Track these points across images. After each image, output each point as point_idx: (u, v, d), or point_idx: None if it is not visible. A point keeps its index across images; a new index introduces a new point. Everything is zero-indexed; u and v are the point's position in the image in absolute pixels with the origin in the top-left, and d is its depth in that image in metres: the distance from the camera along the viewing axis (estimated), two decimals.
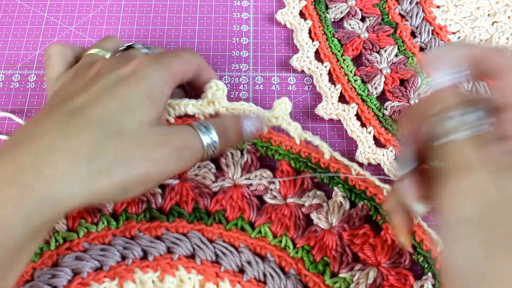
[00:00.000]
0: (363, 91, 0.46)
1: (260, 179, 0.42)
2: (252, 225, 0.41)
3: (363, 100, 0.46)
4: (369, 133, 0.45)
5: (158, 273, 0.39)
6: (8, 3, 0.52)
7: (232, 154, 0.43)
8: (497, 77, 0.28)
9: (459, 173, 0.25)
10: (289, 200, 0.41)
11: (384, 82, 0.47)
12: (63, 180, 0.30)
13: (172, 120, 0.41)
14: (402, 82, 0.48)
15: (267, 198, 0.41)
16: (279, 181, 0.41)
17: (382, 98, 0.47)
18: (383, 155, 0.44)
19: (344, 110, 0.46)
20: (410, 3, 0.51)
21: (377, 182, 0.40)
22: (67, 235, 0.39)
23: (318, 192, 0.42)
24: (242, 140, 0.39)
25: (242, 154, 0.43)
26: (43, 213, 0.30)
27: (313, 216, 0.41)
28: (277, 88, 0.48)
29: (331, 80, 0.48)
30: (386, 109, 0.46)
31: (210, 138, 0.36)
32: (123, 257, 0.39)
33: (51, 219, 0.31)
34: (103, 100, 0.33)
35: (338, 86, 0.47)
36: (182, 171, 0.39)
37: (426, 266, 0.39)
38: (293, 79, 0.49)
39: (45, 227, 0.31)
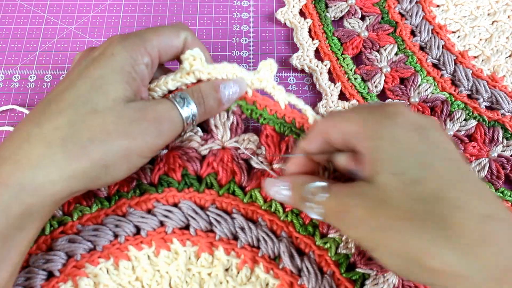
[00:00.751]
0: (363, 89, 0.46)
1: (248, 144, 0.41)
2: (242, 189, 0.41)
3: (364, 98, 0.46)
4: None
5: (153, 248, 0.38)
6: (8, 3, 0.52)
7: (219, 115, 0.41)
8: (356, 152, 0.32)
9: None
10: (276, 166, 0.40)
11: (384, 81, 0.47)
12: (39, 167, 0.30)
13: (156, 96, 0.40)
14: (402, 80, 0.48)
15: (254, 163, 0.41)
16: (265, 148, 0.41)
17: (382, 96, 0.47)
18: None
19: (344, 108, 0.46)
20: (410, 2, 0.51)
21: None
22: (62, 219, 0.39)
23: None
24: (222, 106, 0.39)
25: (228, 116, 0.41)
26: (21, 201, 0.30)
27: None
28: None
29: (331, 79, 0.48)
30: None
31: (188, 107, 0.36)
32: (116, 236, 0.39)
33: (34, 207, 0.31)
34: (76, 84, 0.33)
35: (338, 84, 0.47)
36: (167, 143, 0.38)
37: None
38: (293, 79, 0.49)
39: (29, 216, 0.31)
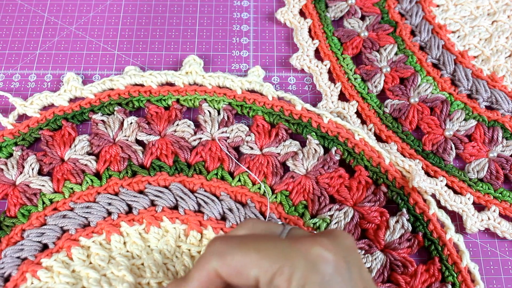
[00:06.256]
0: (363, 89, 0.46)
1: (236, 132, 0.44)
2: (231, 175, 0.42)
3: (363, 98, 0.46)
4: (370, 130, 0.45)
5: (144, 225, 0.40)
6: (8, 3, 0.52)
7: (209, 112, 0.45)
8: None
9: None
10: (265, 150, 0.43)
11: (384, 81, 0.47)
12: None
13: (155, 87, 0.45)
14: (402, 80, 0.48)
15: (244, 149, 0.43)
16: (255, 134, 0.44)
17: (382, 96, 0.47)
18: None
19: (344, 108, 0.46)
20: (410, 2, 0.51)
21: (348, 126, 0.43)
22: (54, 196, 0.41)
23: (293, 142, 0.44)
24: None
25: (219, 113, 0.45)
26: None
27: (289, 163, 0.43)
28: (277, 87, 0.48)
29: (331, 79, 0.48)
30: (386, 107, 0.46)
31: None
32: (109, 213, 0.41)
33: None
34: None
35: (338, 84, 0.47)
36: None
37: (400, 202, 0.41)
38: (293, 79, 0.49)
39: None
